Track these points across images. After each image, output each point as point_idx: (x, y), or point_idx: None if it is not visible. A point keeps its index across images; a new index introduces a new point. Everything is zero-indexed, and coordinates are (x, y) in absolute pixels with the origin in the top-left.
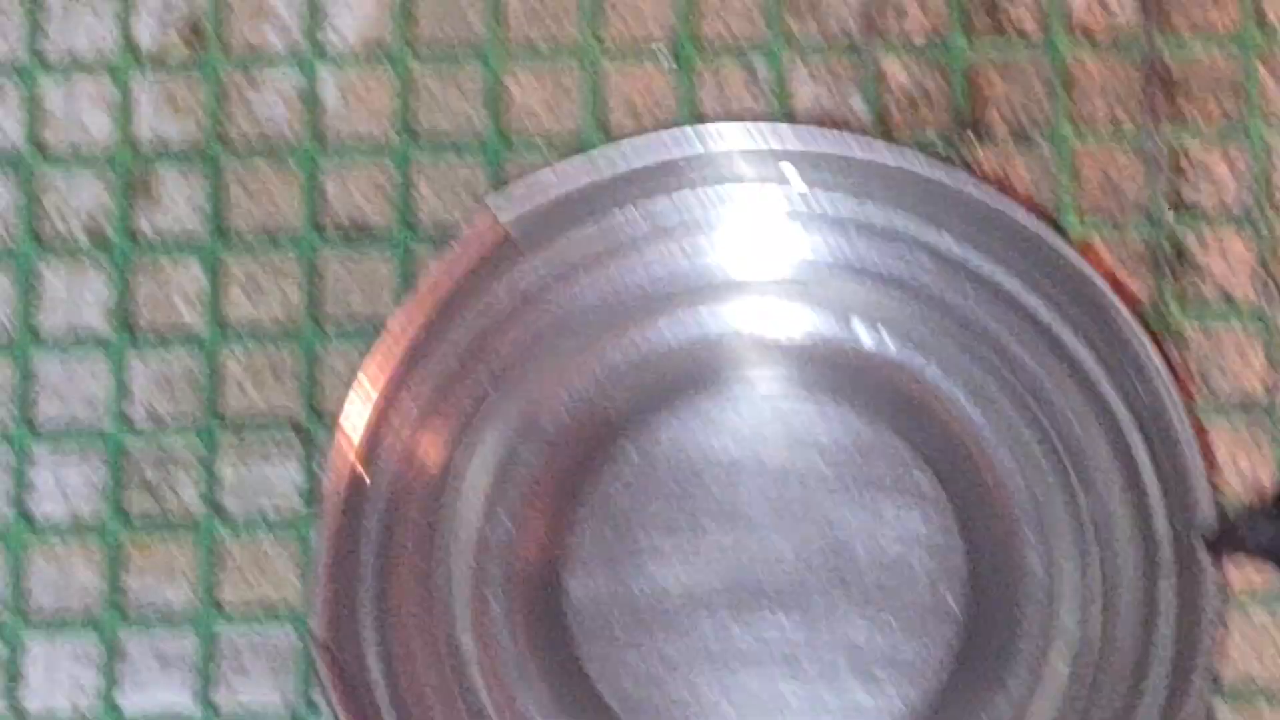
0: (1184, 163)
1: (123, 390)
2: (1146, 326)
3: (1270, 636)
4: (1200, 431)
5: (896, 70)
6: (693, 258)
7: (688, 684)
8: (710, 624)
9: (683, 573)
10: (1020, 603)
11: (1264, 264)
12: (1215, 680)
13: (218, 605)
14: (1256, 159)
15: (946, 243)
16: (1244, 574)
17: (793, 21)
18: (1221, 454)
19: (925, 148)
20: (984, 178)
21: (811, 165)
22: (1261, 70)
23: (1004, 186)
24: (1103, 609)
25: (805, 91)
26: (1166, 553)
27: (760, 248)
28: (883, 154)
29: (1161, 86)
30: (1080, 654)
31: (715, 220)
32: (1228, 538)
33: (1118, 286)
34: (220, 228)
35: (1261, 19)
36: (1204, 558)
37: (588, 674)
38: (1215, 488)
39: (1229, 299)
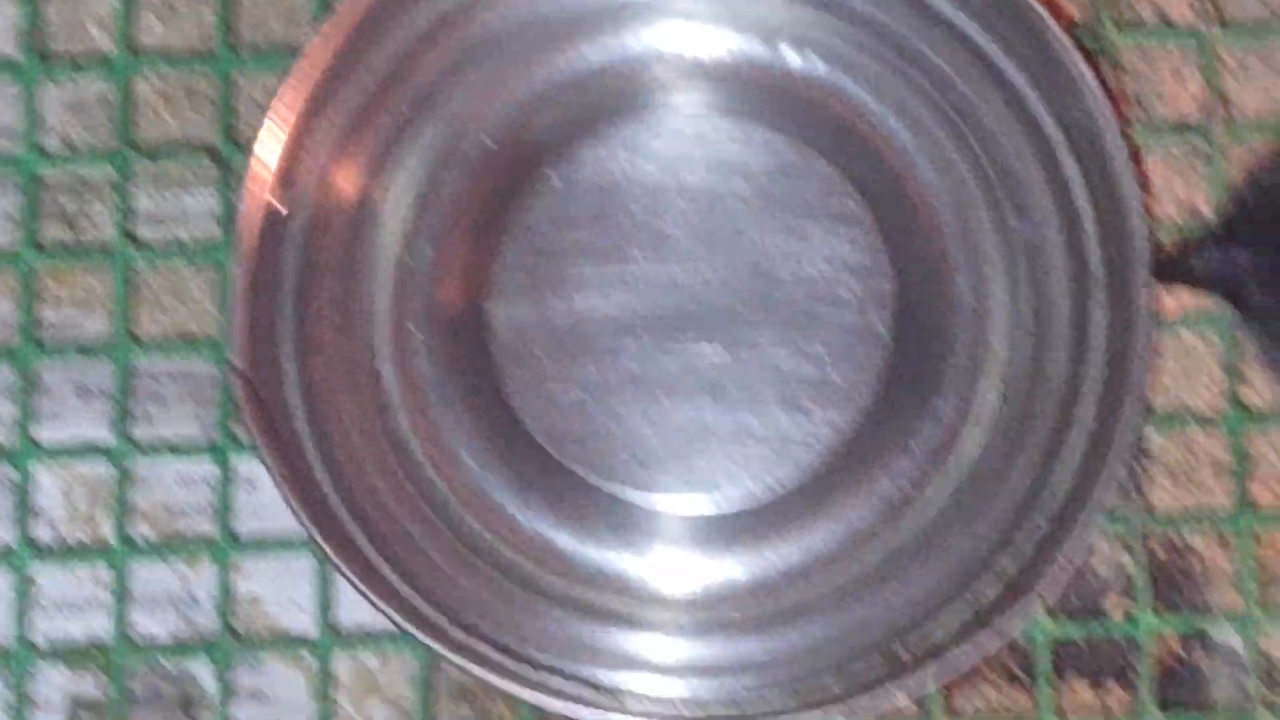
0: None
1: (35, 117)
2: (1082, 47)
3: (1202, 360)
4: (1136, 157)
5: None
6: None
7: (612, 412)
8: (635, 351)
9: (607, 300)
10: (949, 328)
11: None
12: (1147, 407)
13: (135, 336)
14: None
15: None
16: (1176, 297)
17: None
18: (1157, 180)
19: None
20: None
21: None
22: None
23: None
24: (1033, 335)
25: None
26: (1099, 278)
27: None
28: None
29: None
30: (1010, 381)
31: None
32: (1172, 267)
33: (1052, 6)
34: None
35: None
36: (1138, 283)
37: (511, 404)
38: (1150, 214)
39: (1166, 20)
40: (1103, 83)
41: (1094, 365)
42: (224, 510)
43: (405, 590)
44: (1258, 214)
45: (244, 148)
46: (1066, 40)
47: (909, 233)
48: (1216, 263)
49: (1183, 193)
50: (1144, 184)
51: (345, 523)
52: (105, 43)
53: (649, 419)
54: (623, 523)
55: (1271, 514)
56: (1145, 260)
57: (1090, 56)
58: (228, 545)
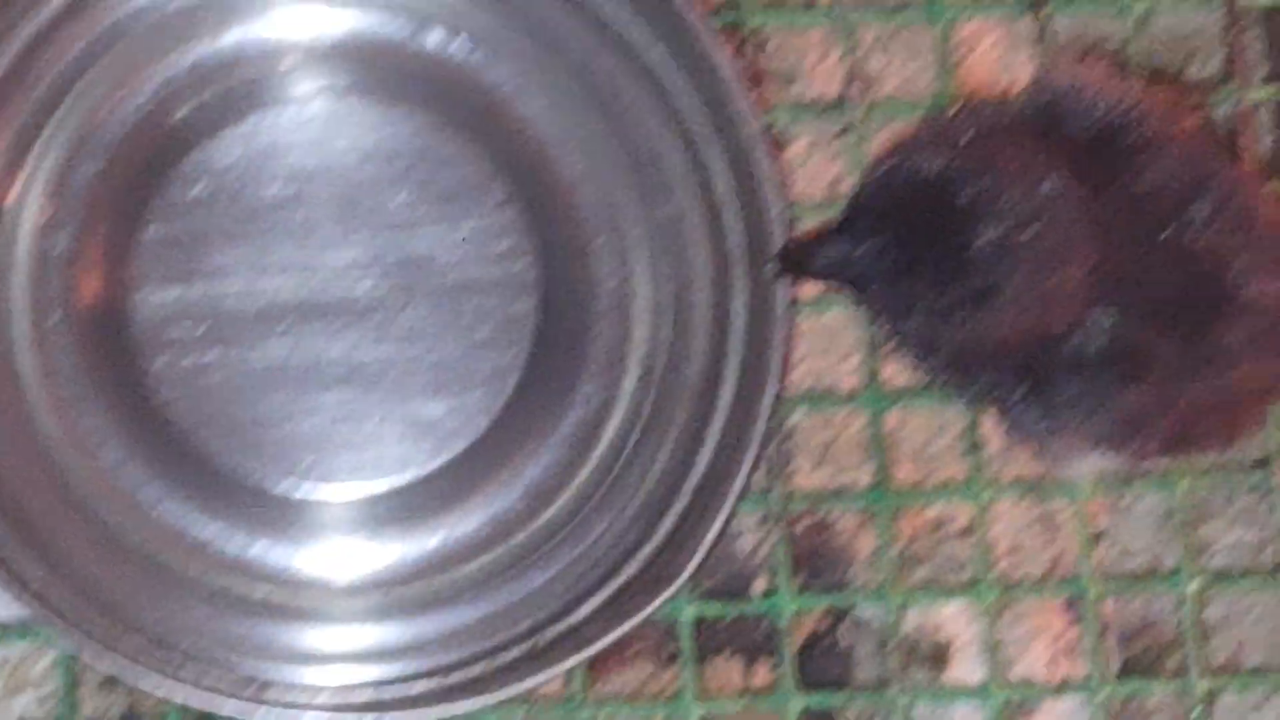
0: None
1: None
2: (731, 27)
3: (843, 341)
4: (775, 144)
5: None
6: None
7: (259, 401)
8: (281, 339)
9: (251, 288)
10: (593, 312)
11: None
12: (785, 391)
13: None
14: None
15: None
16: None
17: None
18: (801, 160)
19: None
20: None
21: None
22: None
23: None
24: (675, 319)
25: None
26: (739, 263)
27: None
28: None
29: None
30: (652, 365)
31: None
32: (796, 260)
33: None
34: None
35: None
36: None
37: (155, 395)
38: (794, 195)
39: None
40: (748, 66)
41: (734, 349)
42: None
43: (48, 581)
44: (877, 206)
45: None
46: (705, 23)
47: (554, 217)
48: (838, 255)
49: (827, 174)
50: (786, 169)
51: None
52: None
53: (296, 407)
54: (273, 513)
55: (911, 492)
56: (780, 242)
57: (734, 36)
58: None
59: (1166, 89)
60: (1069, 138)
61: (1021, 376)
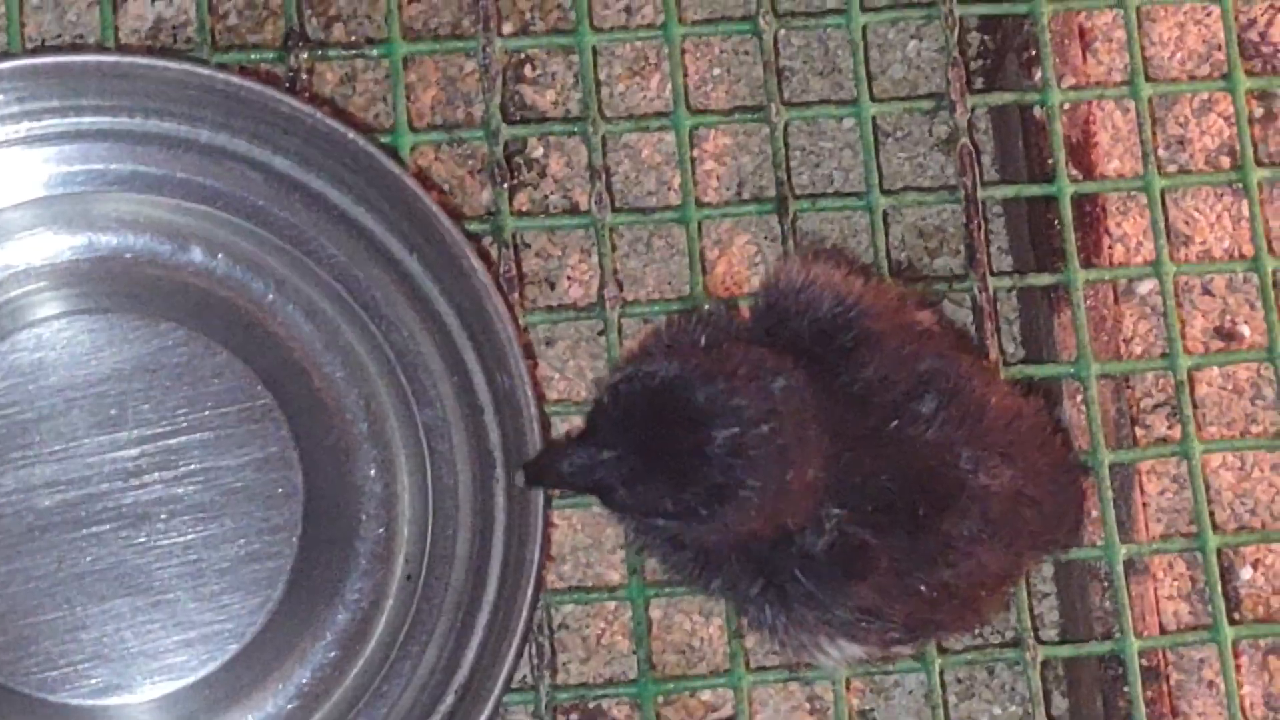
0: (527, 69)
1: None
2: (493, 233)
3: (600, 534)
4: (528, 348)
5: None
6: None
7: (24, 612)
8: (47, 548)
9: (12, 500)
10: (358, 515)
11: (593, 166)
12: (553, 585)
13: None
14: (586, 63)
15: (280, 163)
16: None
17: None
18: (558, 360)
19: (263, 62)
20: (320, 94)
21: (140, 88)
22: None
23: (342, 101)
24: (439, 520)
25: (140, 4)
26: (499, 463)
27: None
28: (211, 77)
29: None
30: (418, 565)
31: None
32: (542, 470)
33: (452, 200)
34: None
35: None
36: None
37: None
38: (555, 398)
39: (572, 204)
40: (516, 271)
41: (497, 546)
42: None
43: None
44: (615, 415)
45: None
46: (461, 237)
47: (317, 424)
48: (580, 465)
49: (588, 373)
50: (547, 370)
51: None
52: None
53: (68, 618)
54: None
55: (678, 680)
56: (537, 441)
57: (496, 241)
58: None
59: (891, 286)
60: (797, 334)
61: (758, 573)
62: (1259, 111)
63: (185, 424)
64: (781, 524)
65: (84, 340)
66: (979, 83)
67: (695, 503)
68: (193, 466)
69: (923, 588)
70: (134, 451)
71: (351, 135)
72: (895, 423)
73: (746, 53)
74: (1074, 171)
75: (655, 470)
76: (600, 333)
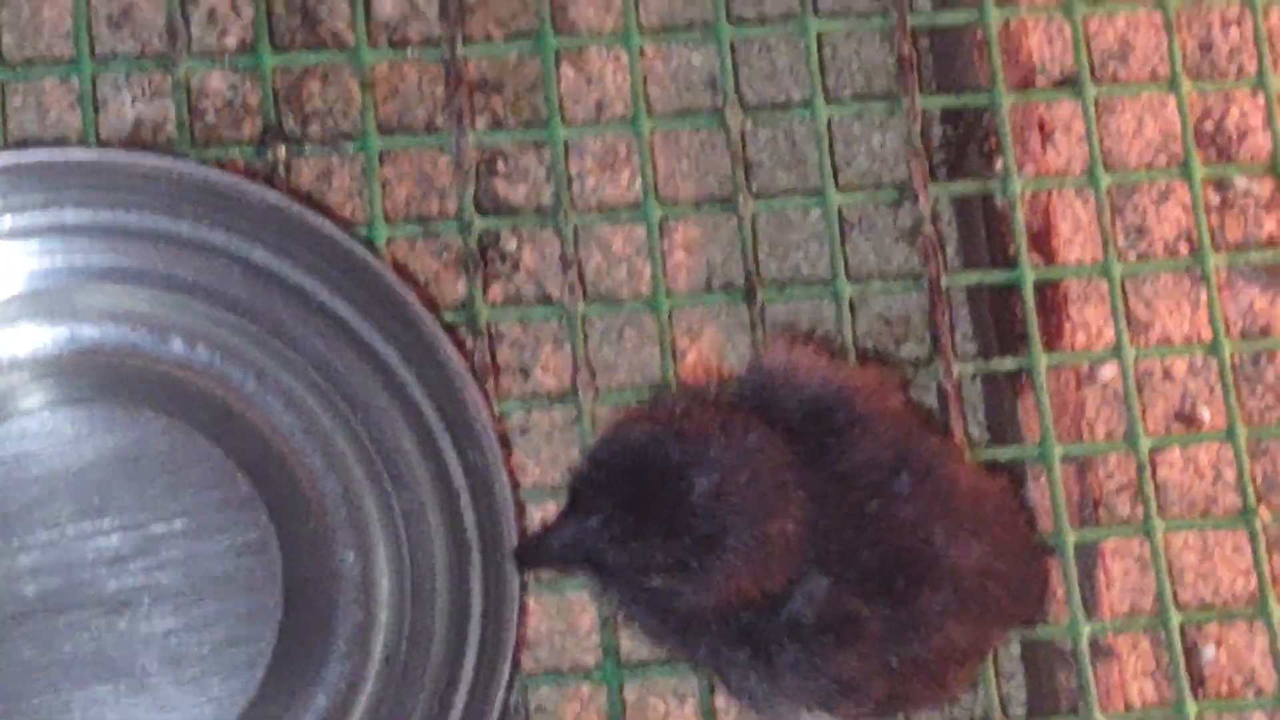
0: (499, 163)
1: None
2: (468, 322)
3: (575, 618)
4: (502, 436)
5: (211, 81)
6: None
7: (7, 691)
8: (31, 632)
9: (1, 585)
10: (337, 601)
11: (565, 258)
12: (529, 669)
13: None
14: (557, 156)
15: (258, 255)
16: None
17: (104, 34)
18: (534, 446)
19: (242, 158)
20: (297, 189)
21: (121, 183)
22: (565, 67)
23: (319, 195)
24: (417, 604)
25: (121, 104)
26: (475, 548)
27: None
28: (190, 171)
29: (469, 88)
30: (396, 648)
31: None
32: (533, 552)
33: (428, 291)
34: None
35: (558, 20)
36: (509, 549)
37: None
38: (530, 484)
39: (544, 294)
40: (491, 360)
41: (473, 630)
42: None
43: None
44: (596, 480)
45: None
46: (438, 328)
47: (296, 510)
48: (570, 537)
49: (563, 460)
50: (522, 455)
51: None
52: None
53: (48, 702)
54: None
55: None
56: (512, 527)
57: (471, 330)
58: None
59: (872, 369)
60: (786, 413)
61: (744, 641)
62: (1216, 199)
63: (166, 512)
64: (767, 588)
65: (66, 430)
66: (942, 173)
67: (686, 554)
68: (173, 553)
69: (894, 661)
70: (115, 539)
71: (328, 227)
72: (875, 501)
73: (715, 146)
74: (1036, 258)
75: (644, 525)
76: (574, 420)
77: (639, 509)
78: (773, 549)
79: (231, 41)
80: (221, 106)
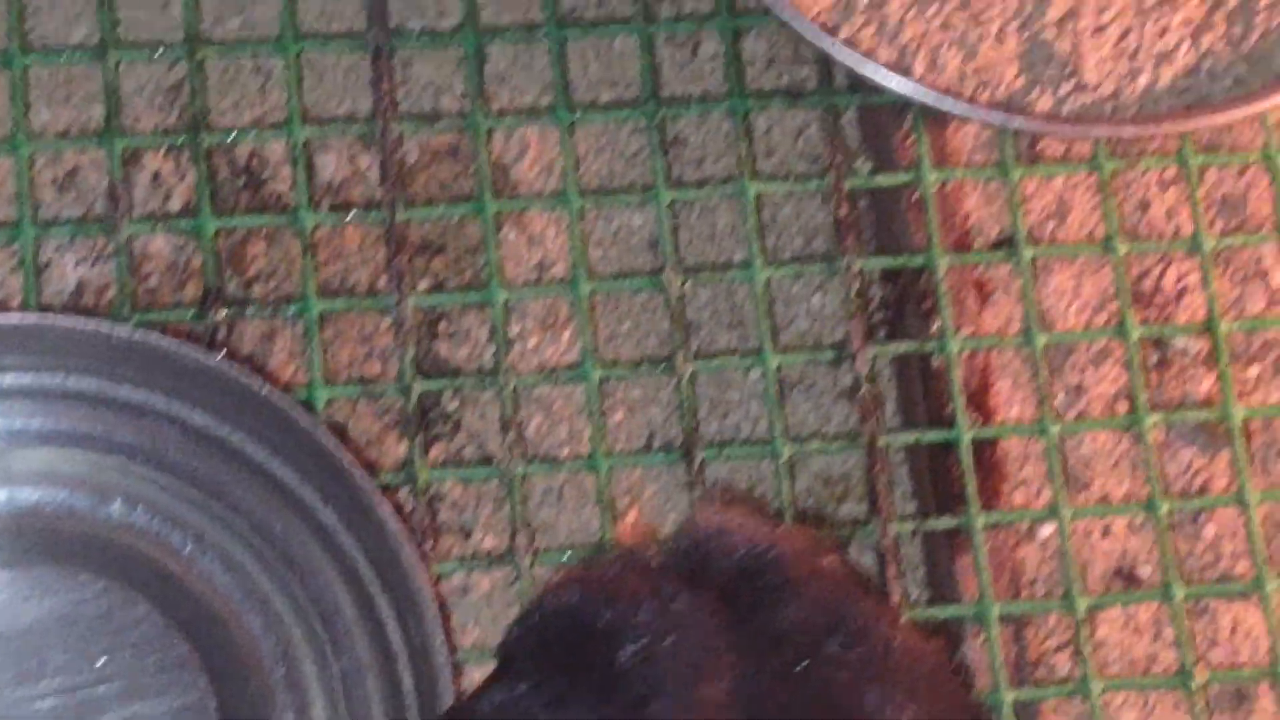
0: (442, 324)
1: None
2: (407, 483)
3: None
4: (441, 597)
5: (153, 244)
6: None
7: None
8: None
9: None
10: None
11: (504, 419)
12: None
13: None
14: (497, 318)
15: (198, 418)
16: None
17: (48, 198)
18: (477, 608)
19: (184, 321)
20: (239, 351)
21: (61, 346)
22: (508, 229)
23: (261, 357)
24: None
25: (64, 267)
26: (413, 710)
27: None
28: (130, 335)
29: (410, 251)
30: None
31: None
32: (459, 717)
33: (368, 452)
34: None
35: (500, 183)
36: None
37: None
38: (470, 645)
39: (485, 454)
40: (432, 521)
41: None
42: None
43: None
44: (526, 645)
45: None
46: (372, 484)
47: (235, 672)
48: (501, 700)
49: (503, 620)
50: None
51: None
52: None
53: None
54: None
55: None
56: (450, 689)
57: (410, 491)
58: None
59: (805, 530)
60: (718, 574)
61: None
62: (1154, 358)
63: (104, 674)
64: None
65: (2, 595)
66: (882, 332)
67: (618, 717)
68: (112, 716)
69: None
70: (52, 702)
71: (266, 390)
72: (808, 661)
73: (656, 306)
74: (975, 416)
75: (576, 689)
76: (513, 581)
77: (567, 675)
78: (704, 713)
79: (175, 204)
80: (165, 269)
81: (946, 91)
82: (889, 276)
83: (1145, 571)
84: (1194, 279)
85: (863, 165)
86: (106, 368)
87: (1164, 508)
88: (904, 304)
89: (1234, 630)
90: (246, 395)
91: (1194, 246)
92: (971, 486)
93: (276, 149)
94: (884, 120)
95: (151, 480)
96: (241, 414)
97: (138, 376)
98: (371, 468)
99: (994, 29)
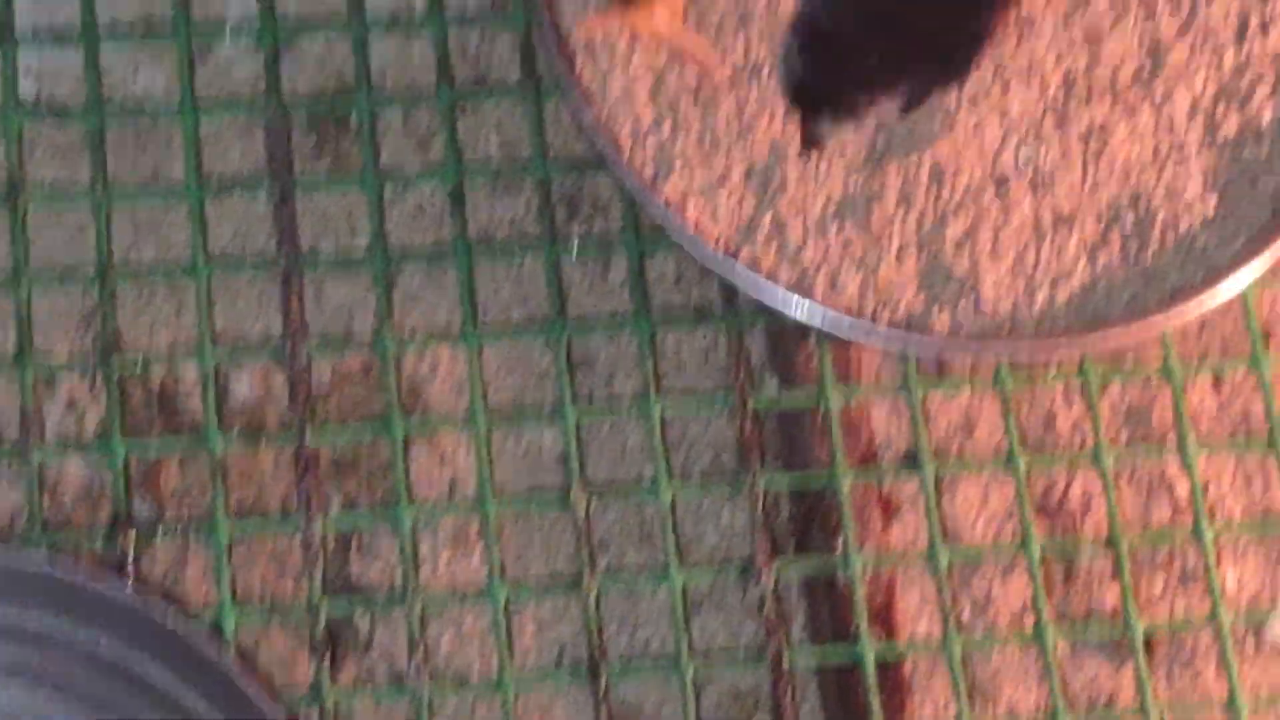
0: (354, 542)
1: None
2: (319, 708)
3: None
4: None
5: (69, 467)
6: None
7: None
8: None
9: None
10: None
11: (412, 639)
12: None
13: None
14: (405, 537)
15: (106, 647)
16: None
17: None
18: None
19: (95, 546)
20: (149, 575)
21: None
22: (419, 447)
23: (173, 580)
24: None
25: None
26: None
27: None
28: (39, 563)
29: (320, 472)
30: None
31: None
32: None
33: (279, 674)
34: None
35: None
36: None
37: None
38: None
39: (396, 673)
40: None
41: None
42: None
43: None
44: None
45: None
46: (279, 711)
47: None
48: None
49: None
50: None
51: None
52: None
53: None
54: None
55: None
56: None
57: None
58: None
59: None
60: None
61: None
62: (1060, 572)
63: None
64: None
65: None
66: (791, 548)
67: None
68: None
69: None
70: None
71: (174, 619)
72: None
73: (565, 524)
74: (880, 632)
75: None
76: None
77: None
78: None
79: (90, 427)
80: (78, 492)
81: (847, 311)
82: (796, 493)
83: None
84: (1098, 490)
85: (769, 382)
86: (14, 597)
87: None
88: (811, 520)
89: None
90: (154, 624)
91: (1095, 459)
92: (875, 704)
93: (189, 371)
94: (789, 338)
95: (59, 709)
96: (150, 641)
97: (45, 605)
98: (283, 689)
99: (894, 249)
